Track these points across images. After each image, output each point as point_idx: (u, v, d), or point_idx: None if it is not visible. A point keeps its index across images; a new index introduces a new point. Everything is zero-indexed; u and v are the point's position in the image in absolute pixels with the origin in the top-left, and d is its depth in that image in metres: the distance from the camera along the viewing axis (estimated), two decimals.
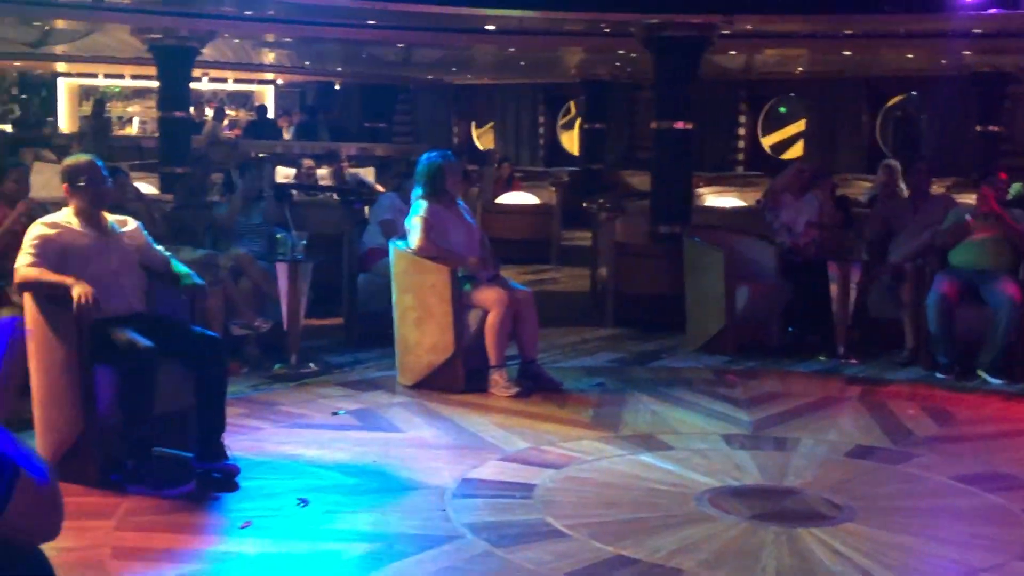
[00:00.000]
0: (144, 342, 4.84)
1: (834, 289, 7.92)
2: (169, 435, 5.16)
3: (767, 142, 19.51)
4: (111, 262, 5.16)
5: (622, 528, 4.57)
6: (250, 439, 5.65)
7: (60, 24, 12.25)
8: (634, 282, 9.18)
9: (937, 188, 11.17)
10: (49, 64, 19.41)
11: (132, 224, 5.41)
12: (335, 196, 11.82)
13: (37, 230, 5.10)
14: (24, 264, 5.03)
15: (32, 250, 5.03)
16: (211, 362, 5.09)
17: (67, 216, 5.19)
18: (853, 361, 7.89)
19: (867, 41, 11.96)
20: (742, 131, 19.52)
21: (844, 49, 13.02)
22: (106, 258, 5.14)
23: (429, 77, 20.24)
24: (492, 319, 6.74)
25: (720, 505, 4.82)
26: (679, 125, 9.47)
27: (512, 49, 14.41)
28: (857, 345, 8.05)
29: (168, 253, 5.46)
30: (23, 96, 20.52)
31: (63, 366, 4.93)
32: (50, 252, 5.03)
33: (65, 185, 5.18)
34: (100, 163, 5.31)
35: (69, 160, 5.38)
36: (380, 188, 13.42)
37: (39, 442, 5.05)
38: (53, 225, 5.13)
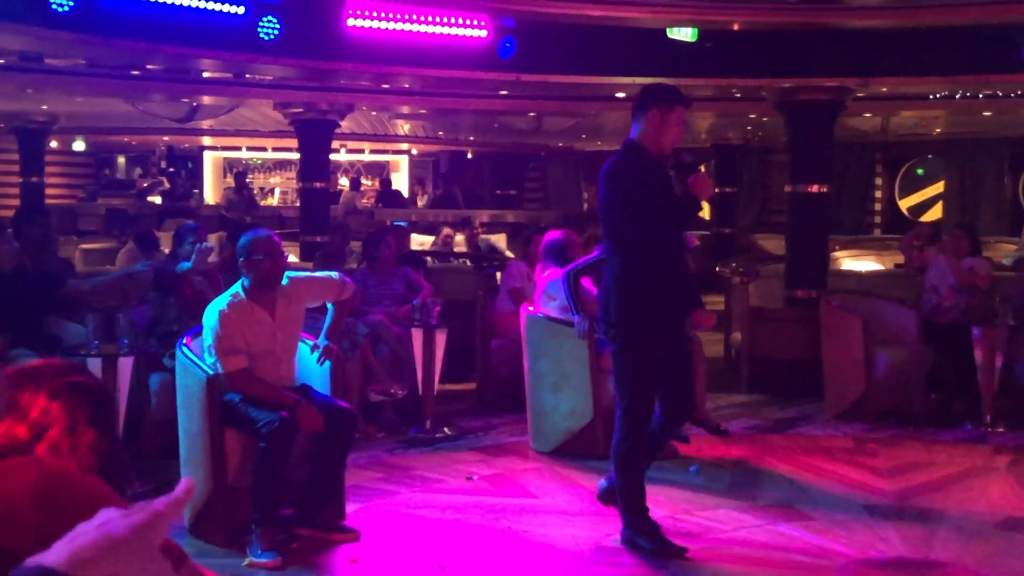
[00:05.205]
0: (279, 416, 4.87)
1: (979, 355, 7.68)
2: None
3: (905, 204, 19.09)
4: (276, 338, 5.19)
5: None
6: (386, 503, 5.73)
7: (207, 100, 12.77)
8: (769, 347, 9.05)
9: None
10: (195, 138, 20.21)
11: (293, 283, 5.33)
12: (468, 262, 11.98)
13: (218, 318, 5.08)
14: (231, 363, 5.02)
15: (229, 344, 5.04)
16: (340, 435, 5.11)
17: (239, 293, 5.17)
18: (1000, 430, 7.62)
19: (1008, 101, 11.66)
20: (879, 193, 19.15)
21: (984, 109, 12.72)
22: (270, 334, 5.18)
23: (559, 144, 20.40)
24: None
25: None
26: (814, 188, 9.35)
27: None
28: (1005, 413, 7.78)
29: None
30: (171, 169, 21.35)
31: (198, 430, 5.08)
32: (238, 340, 5.07)
33: (242, 260, 5.17)
34: (276, 238, 5.28)
35: (248, 236, 5.30)
36: (510, 254, 13.57)
37: None
38: (227, 314, 5.08)
